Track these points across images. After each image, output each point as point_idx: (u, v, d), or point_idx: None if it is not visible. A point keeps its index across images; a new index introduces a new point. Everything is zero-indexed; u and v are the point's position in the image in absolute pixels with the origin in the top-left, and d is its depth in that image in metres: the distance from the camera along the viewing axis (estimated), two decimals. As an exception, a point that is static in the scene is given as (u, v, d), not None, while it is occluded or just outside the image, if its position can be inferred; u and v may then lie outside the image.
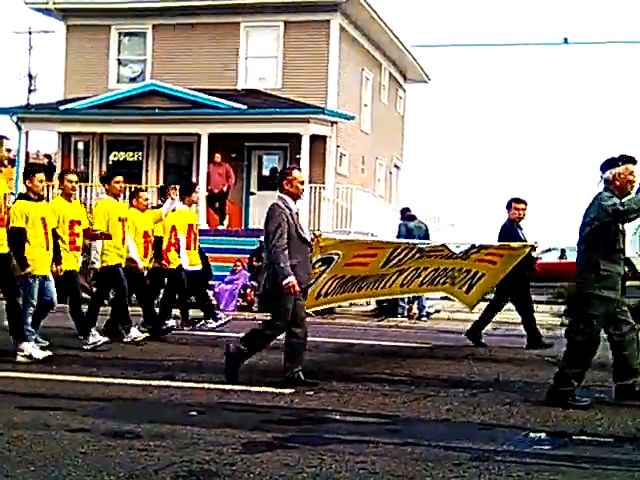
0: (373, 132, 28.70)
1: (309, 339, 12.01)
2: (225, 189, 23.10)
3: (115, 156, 25.84)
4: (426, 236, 16.45)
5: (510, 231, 12.01)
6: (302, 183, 8.43)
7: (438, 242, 10.85)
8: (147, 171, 25.17)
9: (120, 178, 11.38)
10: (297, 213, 8.40)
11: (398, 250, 10.28)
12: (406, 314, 16.88)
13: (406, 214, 17.39)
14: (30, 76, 44.14)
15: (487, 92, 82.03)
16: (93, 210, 11.45)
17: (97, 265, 11.07)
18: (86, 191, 24.25)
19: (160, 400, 7.29)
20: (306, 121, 23.16)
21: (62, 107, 24.92)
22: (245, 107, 23.14)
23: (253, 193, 24.95)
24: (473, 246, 11.35)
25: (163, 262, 12.20)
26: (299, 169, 8.77)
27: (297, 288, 7.97)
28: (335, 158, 24.77)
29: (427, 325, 16.09)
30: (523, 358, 10.98)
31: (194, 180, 21.84)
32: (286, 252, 8.00)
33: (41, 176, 9.57)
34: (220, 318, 13.37)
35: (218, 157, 23.05)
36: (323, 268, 9.31)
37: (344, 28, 25.33)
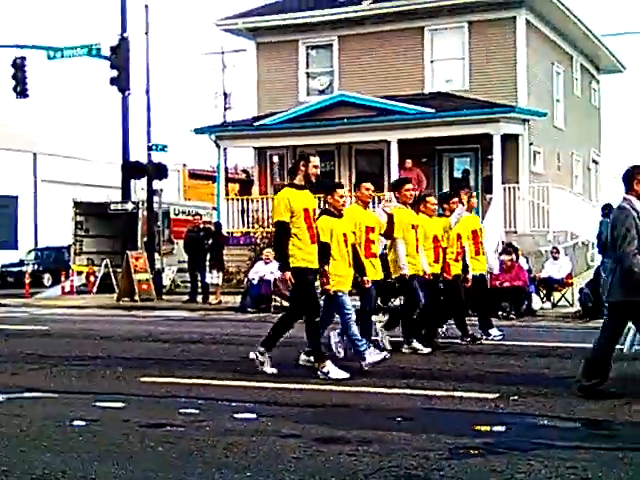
0: (567, 127, 27.90)
1: (509, 342, 11.97)
2: (417, 194, 23.09)
3: (308, 167, 26.43)
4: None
5: None
6: None
7: None
8: (340, 180, 25.61)
9: (410, 186, 11.30)
10: None
11: None
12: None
13: (608, 211, 16.73)
14: (225, 94, 46.09)
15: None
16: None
17: (406, 271, 10.84)
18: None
19: (367, 406, 7.39)
20: (496, 121, 22.83)
21: (256, 123, 25.82)
22: (433, 111, 23.09)
23: (446, 196, 24.82)
24: None
25: (445, 274, 11.65)
26: None
27: None
28: (529, 156, 24.26)
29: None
30: None
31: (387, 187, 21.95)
32: (638, 257, 7.44)
33: (342, 192, 9.67)
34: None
35: (409, 162, 23.11)
36: None
37: (531, 23, 24.80)
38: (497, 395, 7.70)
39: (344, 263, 9.50)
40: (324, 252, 9.23)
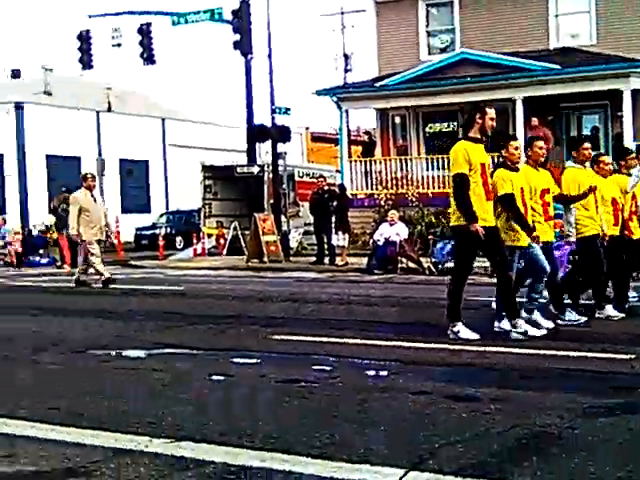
0: (702, 81, 26.69)
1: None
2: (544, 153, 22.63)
3: (431, 128, 26.29)
4: None
5: None
6: None
7: None
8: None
9: (588, 145, 10.73)
10: None
11: None
12: None
13: None
14: (345, 56, 46.03)
15: None
16: (562, 178, 10.58)
17: (572, 238, 10.50)
18: (406, 164, 24.94)
19: (498, 366, 7.39)
20: (626, 76, 22.10)
21: (377, 84, 25.76)
22: (559, 67, 22.52)
23: (573, 155, 24.26)
24: None
25: (625, 232, 10.95)
26: None
27: None
28: (661, 112, 23.40)
29: None
30: None
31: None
32: None
33: (516, 143, 9.42)
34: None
35: (535, 121, 22.62)
36: None
37: (663, -30, 23.77)
38: (633, 356, 7.58)
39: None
40: (512, 203, 9.00)
